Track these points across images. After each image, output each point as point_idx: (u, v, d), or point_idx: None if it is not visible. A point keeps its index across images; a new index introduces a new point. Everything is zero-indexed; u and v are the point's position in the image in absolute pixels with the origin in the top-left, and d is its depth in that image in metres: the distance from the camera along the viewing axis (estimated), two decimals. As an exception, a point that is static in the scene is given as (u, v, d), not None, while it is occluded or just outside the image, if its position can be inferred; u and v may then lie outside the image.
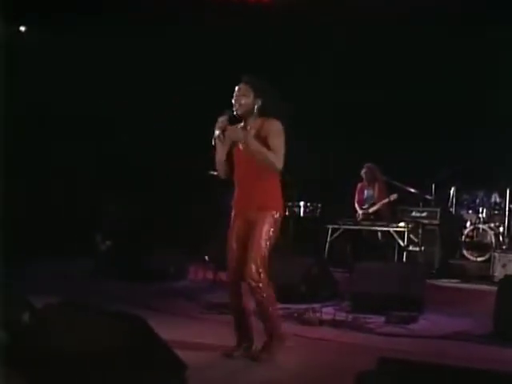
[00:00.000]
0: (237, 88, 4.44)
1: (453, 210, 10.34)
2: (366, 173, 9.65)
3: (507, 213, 9.73)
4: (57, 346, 3.48)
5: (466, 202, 10.36)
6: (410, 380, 2.82)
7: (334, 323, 5.75)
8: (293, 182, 6.35)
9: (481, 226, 9.85)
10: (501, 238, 9.69)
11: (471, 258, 9.75)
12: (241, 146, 4.45)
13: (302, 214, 10.31)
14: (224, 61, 10.23)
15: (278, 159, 4.29)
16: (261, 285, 4.30)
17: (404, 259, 8.96)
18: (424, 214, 9.61)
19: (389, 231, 9.18)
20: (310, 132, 10.08)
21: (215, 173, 4.74)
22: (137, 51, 10.49)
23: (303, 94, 9.23)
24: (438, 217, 9.70)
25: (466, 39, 9.74)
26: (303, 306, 6.10)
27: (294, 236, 9.59)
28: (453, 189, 10.34)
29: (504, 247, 9.44)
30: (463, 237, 9.89)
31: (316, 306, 6.18)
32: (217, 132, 4.40)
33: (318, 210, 10.46)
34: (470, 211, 10.22)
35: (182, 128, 10.52)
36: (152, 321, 3.61)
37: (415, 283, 6.57)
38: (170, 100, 10.82)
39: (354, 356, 4.73)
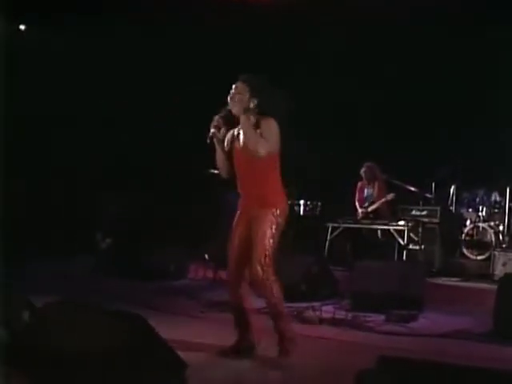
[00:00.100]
0: (233, 86, 4.44)
1: (453, 208, 10.34)
2: (365, 172, 9.65)
3: (507, 211, 9.73)
4: (57, 344, 3.48)
5: (466, 201, 10.35)
6: (410, 378, 2.83)
7: (334, 322, 5.76)
8: (293, 181, 6.34)
9: (481, 224, 9.85)
10: (501, 237, 9.69)
11: (471, 256, 9.74)
12: (238, 145, 4.45)
13: (302, 212, 10.33)
14: (224, 61, 10.22)
15: (262, 144, 4.25)
16: (268, 283, 4.29)
17: (404, 258, 8.96)
18: (424, 213, 9.60)
19: (389, 230, 9.18)
20: (311, 131, 10.08)
21: (215, 171, 4.75)
22: (137, 51, 10.49)
23: (303, 94, 9.23)
24: (438, 215, 9.70)
25: (466, 39, 9.73)
26: (303, 305, 6.10)
27: (294, 234, 9.59)
28: (453, 187, 10.34)
29: (504, 246, 9.43)
30: (463, 235, 9.89)
31: (316, 304, 6.18)
32: (212, 130, 4.42)
33: (318, 209, 10.47)
34: (470, 210, 10.22)
35: (182, 128, 10.52)
36: (152, 320, 3.62)
37: (415, 282, 6.58)
38: (170, 100, 10.81)
39: (353, 354, 4.74)
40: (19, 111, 8.97)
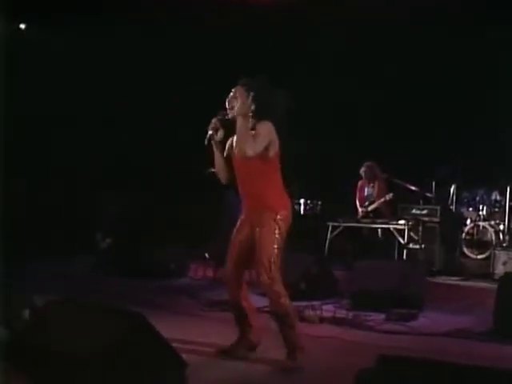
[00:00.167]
0: (232, 90, 4.43)
1: (453, 207, 10.34)
2: (365, 171, 9.65)
3: (507, 210, 9.72)
4: (58, 343, 3.48)
5: (466, 200, 10.34)
6: (410, 377, 2.83)
7: (334, 321, 5.77)
8: (294, 180, 6.36)
9: (481, 223, 9.85)
10: (501, 236, 9.68)
11: (471, 255, 9.74)
12: (236, 150, 4.44)
13: (302, 211, 10.33)
14: (224, 61, 10.23)
15: (250, 145, 4.22)
16: (275, 289, 4.27)
17: (404, 257, 8.96)
18: (424, 212, 9.59)
19: (389, 229, 9.18)
20: (311, 130, 10.08)
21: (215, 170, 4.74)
22: (137, 51, 10.49)
23: (303, 94, 9.21)
24: (439, 214, 9.69)
25: (466, 39, 9.73)
26: (303, 304, 6.10)
27: (294, 233, 9.57)
28: (453, 186, 10.33)
29: (504, 245, 9.42)
30: (463, 234, 9.88)
31: (316, 303, 6.18)
32: (210, 132, 4.43)
33: (319, 208, 10.47)
34: (471, 209, 10.21)
35: (182, 128, 10.52)
36: (153, 318, 3.62)
37: (415, 281, 6.59)
38: (170, 100, 10.81)
39: (353, 353, 4.74)
40: (19, 111, 8.97)
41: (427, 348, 5.00)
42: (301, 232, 9.81)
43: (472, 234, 9.86)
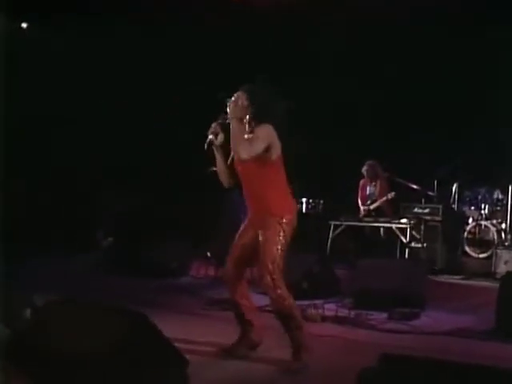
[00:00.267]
0: (234, 95, 4.40)
1: (455, 206, 10.34)
2: (367, 170, 9.65)
3: (509, 209, 9.72)
4: (59, 342, 3.48)
5: (468, 199, 10.34)
6: (412, 376, 2.83)
7: (336, 320, 5.76)
8: (295, 179, 6.34)
9: (483, 222, 9.85)
10: (503, 235, 9.68)
11: (473, 254, 9.74)
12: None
13: (304, 210, 10.33)
14: (224, 61, 10.23)
15: (244, 147, 4.19)
16: (279, 291, 4.26)
17: (406, 256, 8.96)
18: (426, 211, 9.60)
19: (391, 228, 9.18)
20: (313, 129, 10.07)
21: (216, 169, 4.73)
22: (137, 51, 10.49)
23: (303, 94, 9.21)
24: (441, 213, 9.70)
25: (466, 39, 9.72)
26: (305, 303, 6.09)
27: (296, 233, 9.56)
28: (455, 185, 10.33)
29: (506, 244, 9.42)
30: (465, 233, 9.88)
31: (318, 302, 6.17)
32: (210, 137, 4.42)
33: (320, 207, 10.46)
34: (473, 208, 10.21)
35: (182, 128, 10.54)
36: (154, 317, 3.61)
37: (417, 280, 6.58)
38: (170, 100, 10.81)
39: (355, 352, 4.74)
40: (19, 111, 8.97)
41: (429, 347, 4.99)
42: (302, 231, 9.84)
43: (474, 233, 9.87)
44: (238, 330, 4.58)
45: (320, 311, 5.89)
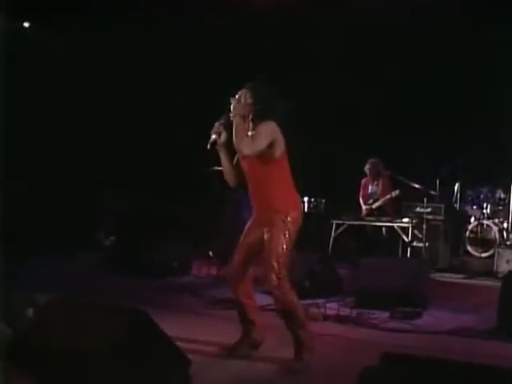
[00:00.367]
0: (238, 93, 4.41)
1: (457, 205, 10.33)
2: (369, 169, 9.63)
3: (511, 208, 9.72)
4: (60, 341, 3.48)
5: (470, 198, 10.33)
6: (414, 375, 2.83)
7: (338, 319, 5.76)
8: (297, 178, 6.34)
9: (485, 221, 9.84)
10: (505, 234, 9.68)
11: (475, 253, 9.73)
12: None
13: (305, 209, 10.32)
14: (224, 61, 10.23)
15: (246, 144, 4.20)
16: (283, 290, 4.25)
17: (408, 255, 8.95)
18: (428, 210, 9.59)
19: (393, 227, 9.17)
20: (312, 129, 10.07)
21: (220, 168, 4.73)
22: (137, 51, 10.50)
23: (303, 93, 9.21)
24: (443, 212, 9.70)
25: (466, 39, 9.72)
26: (307, 302, 6.09)
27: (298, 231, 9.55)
28: (457, 185, 10.34)
29: (508, 243, 9.42)
30: (467, 232, 9.88)
31: (320, 301, 6.17)
32: (213, 136, 4.41)
33: (322, 206, 10.46)
34: (475, 207, 10.20)
35: (182, 128, 10.55)
36: (156, 317, 3.62)
37: (419, 279, 6.57)
38: (170, 100, 10.82)
39: (357, 351, 4.74)
40: (19, 111, 8.98)
41: (431, 346, 4.99)
42: (304, 230, 9.83)
43: (476, 232, 9.86)
44: (240, 329, 4.58)
45: (322, 310, 5.88)
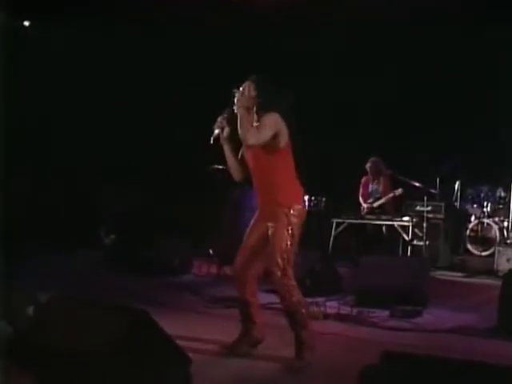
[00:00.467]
0: (242, 86, 4.42)
1: (457, 204, 10.34)
2: (370, 167, 9.64)
3: (512, 207, 9.74)
4: (60, 339, 3.48)
5: (470, 197, 10.34)
6: (414, 374, 2.83)
7: (339, 317, 5.76)
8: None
9: (485, 220, 9.85)
10: (505, 233, 9.69)
11: (476, 252, 9.75)
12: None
13: (306, 207, 10.32)
14: (224, 61, 10.23)
15: (252, 134, 4.20)
16: (288, 287, 4.24)
17: (408, 253, 8.96)
18: (429, 208, 9.59)
19: (393, 225, 9.17)
20: (313, 128, 10.07)
21: (220, 167, 4.74)
22: (137, 51, 10.51)
23: (303, 93, 9.19)
24: (443, 211, 9.70)
25: (466, 39, 9.72)
26: (307, 300, 6.08)
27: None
28: (457, 183, 10.34)
29: (508, 241, 9.43)
30: (468, 231, 9.89)
31: (320, 300, 6.17)
32: (216, 131, 4.42)
33: (323, 204, 10.46)
34: (475, 205, 10.21)
35: (182, 128, 10.55)
36: (156, 315, 3.62)
37: (419, 277, 6.57)
38: (170, 100, 10.81)
39: (357, 350, 4.74)
40: (19, 111, 8.98)
41: (431, 345, 4.99)
42: (305, 228, 9.83)
43: (476, 231, 9.87)
44: (241, 327, 4.58)
45: (322, 309, 5.88)
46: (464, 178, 10.25)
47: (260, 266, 4.53)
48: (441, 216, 9.69)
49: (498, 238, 9.54)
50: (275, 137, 4.26)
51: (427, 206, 9.55)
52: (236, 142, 4.44)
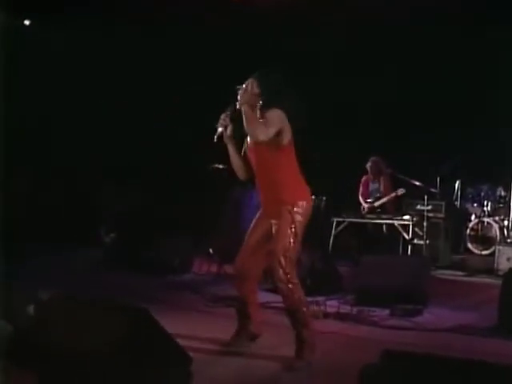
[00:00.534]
0: (246, 82, 4.41)
1: (458, 203, 10.34)
2: (371, 166, 9.64)
3: (512, 206, 9.75)
4: (61, 338, 3.48)
5: (470, 196, 10.35)
6: (415, 373, 2.83)
7: (339, 316, 5.75)
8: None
9: (485, 219, 9.85)
10: (505, 232, 9.69)
11: (476, 251, 9.75)
12: (249, 141, 4.43)
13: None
14: (224, 61, 10.23)
15: (261, 130, 4.18)
16: (290, 286, 4.22)
17: (409, 252, 8.96)
18: (429, 208, 9.59)
19: (393, 224, 9.17)
20: (312, 129, 10.06)
21: (220, 166, 4.73)
22: (137, 51, 10.51)
23: (303, 93, 9.17)
24: (443, 210, 9.70)
25: (466, 39, 9.72)
26: (307, 299, 6.09)
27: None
28: (458, 182, 10.34)
29: (508, 240, 9.43)
30: (468, 230, 9.89)
31: (320, 299, 6.17)
32: (220, 129, 4.41)
33: (323, 203, 10.46)
34: (475, 204, 10.21)
35: (182, 128, 10.55)
36: (157, 314, 3.62)
37: (420, 276, 6.57)
38: (170, 100, 10.81)
39: (358, 348, 4.74)
40: (19, 111, 8.98)
41: (431, 344, 5.00)
42: (305, 227, 9.83)
43: (476, 230, 9.87)
44: (237, 323, 4.59)
45: (322, 308, 5.88)
46: (464, 177, 10.25)
47: (262, 263, 4.51)
48: (441, 215, 9.68)
49: (498, 237, 9.55)
50: (279, 133, 4.24)
51: (427, 205, 9.54)
52: (238, 140, 4.44)
